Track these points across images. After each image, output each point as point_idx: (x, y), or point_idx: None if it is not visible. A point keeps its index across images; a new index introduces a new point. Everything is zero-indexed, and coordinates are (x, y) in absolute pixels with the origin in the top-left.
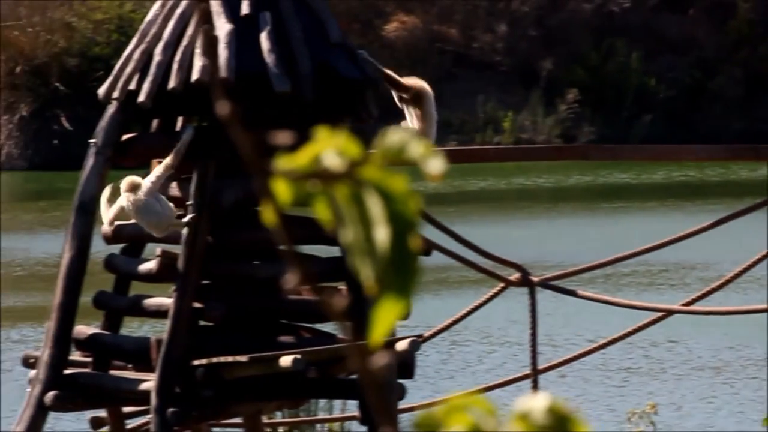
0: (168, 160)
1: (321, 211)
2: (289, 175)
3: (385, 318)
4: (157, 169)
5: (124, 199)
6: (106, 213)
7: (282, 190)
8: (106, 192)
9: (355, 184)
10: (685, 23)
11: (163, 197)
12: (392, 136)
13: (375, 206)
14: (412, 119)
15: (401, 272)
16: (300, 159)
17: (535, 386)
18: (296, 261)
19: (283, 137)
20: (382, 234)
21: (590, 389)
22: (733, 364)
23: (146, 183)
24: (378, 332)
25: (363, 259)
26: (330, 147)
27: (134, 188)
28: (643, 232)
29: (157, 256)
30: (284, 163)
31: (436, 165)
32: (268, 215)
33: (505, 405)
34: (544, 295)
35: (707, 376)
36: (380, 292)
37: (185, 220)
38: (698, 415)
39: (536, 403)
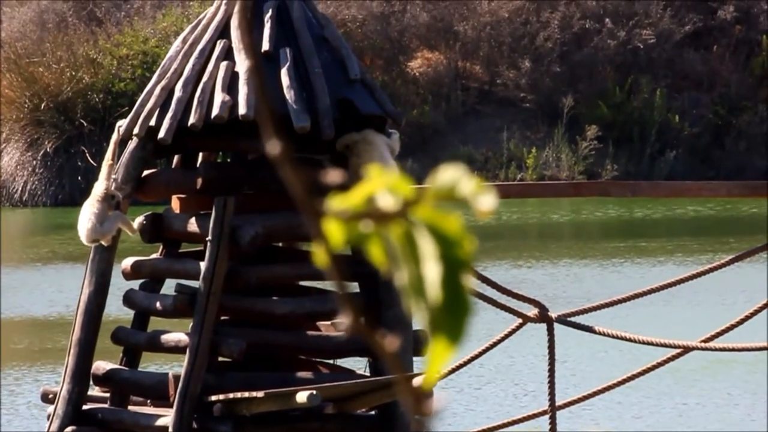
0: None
1: (374, 252)
2: (342, 215)
3: (437, 358)
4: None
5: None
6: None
7: (334, 230)
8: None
9: (408, 224)
10: (709, 60)
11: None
12: (443, 174)
13: (428, 247)
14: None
15: (454, 313)
16: (352, 198)
17: (552, 422)
18: (346, 300)
19: (334, 176)
20: (434, 275)
21: (609, 426)
22: (757, 401)
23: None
24: (431, 372)
25: (417, 300)
26: (383, 186)
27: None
28: (664, 269)
29: (176, 291)
30: (336, 202)
31: (487, 202)
32: (319, 255)
33: None
34: (566, 332)
35: (727, 412)
36: (433, 333)
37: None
38: None
39: None
